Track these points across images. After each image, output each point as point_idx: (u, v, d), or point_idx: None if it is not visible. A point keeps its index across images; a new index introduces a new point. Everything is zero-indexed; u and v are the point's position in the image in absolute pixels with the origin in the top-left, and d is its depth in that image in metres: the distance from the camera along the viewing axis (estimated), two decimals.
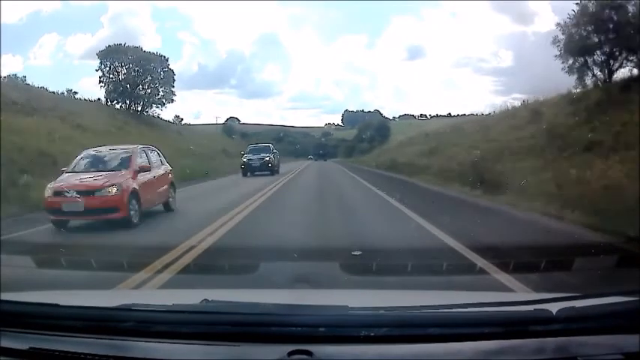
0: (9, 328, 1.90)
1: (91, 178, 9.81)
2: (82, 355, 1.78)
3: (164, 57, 28.51)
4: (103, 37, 40.20)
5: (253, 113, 59.96)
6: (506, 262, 5.21)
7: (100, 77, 27.98)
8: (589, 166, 11.43)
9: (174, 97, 28.56)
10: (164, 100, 28.36)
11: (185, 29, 48.60)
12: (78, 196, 9.24)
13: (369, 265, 5.27)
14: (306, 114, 54.51)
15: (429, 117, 35.97)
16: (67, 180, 9.76)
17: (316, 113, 55.44)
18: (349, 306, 1.96)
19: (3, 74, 25.34)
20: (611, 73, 17.85)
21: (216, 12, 45.29)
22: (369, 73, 42.20)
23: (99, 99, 28.44)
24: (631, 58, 17.36)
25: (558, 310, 1.79)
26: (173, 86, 28.48)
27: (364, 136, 34.34)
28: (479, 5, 41.55)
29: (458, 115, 32.42)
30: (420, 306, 2.03)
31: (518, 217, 9.51)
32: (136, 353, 1.80)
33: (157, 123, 29.17)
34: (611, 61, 17.71)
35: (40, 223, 9.35)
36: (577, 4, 17.81)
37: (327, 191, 15.38)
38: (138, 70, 27.92)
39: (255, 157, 21.51)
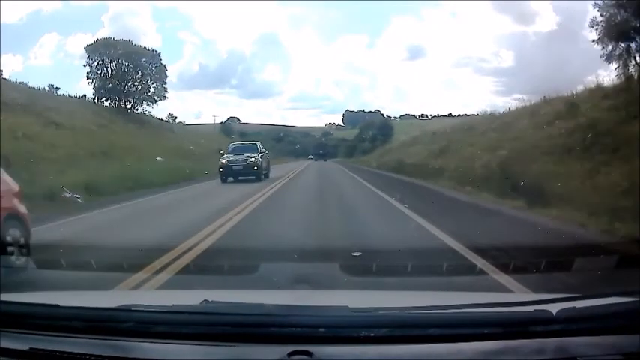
0: (9, 328, 1.90)
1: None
2: (82, 356, 1.78)
3: (156, 52, 26.87)
4: (104, 36, 40.10)
5: (254, 113, 60.18)
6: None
7: (87, 73, 26.35)
8: None
9: (166, 94, 26.93)
10: (155, 97, 26.71)
11: (186, 29, 48.96)
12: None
13: (368, 265, 5.26)
14: (306, 114, 54.71)
15: (429, 117, 36.03)
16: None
17: (316, 113, 55.64)
18: (349, 306, 1.96)
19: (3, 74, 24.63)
20: None
21: (217, 12, 45.46)
22: (370, 73, 42.42)
23: (84, 95, 26.73)
24: None
25: (558, 311, 1.79)
26: (165, 82, 26.87)
27: (366, 136, 33.93)
28: (479, 5, 41.62)
29: (459, 115, 32.29)
30: (420, 306, 2.03)
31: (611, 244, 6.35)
32: (136, 354, 1.80)
33: (148, 121, 27.49)
34: None
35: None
36: None
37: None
38: (128, 65, 26.14)
39: (238, 157, 17.58)
